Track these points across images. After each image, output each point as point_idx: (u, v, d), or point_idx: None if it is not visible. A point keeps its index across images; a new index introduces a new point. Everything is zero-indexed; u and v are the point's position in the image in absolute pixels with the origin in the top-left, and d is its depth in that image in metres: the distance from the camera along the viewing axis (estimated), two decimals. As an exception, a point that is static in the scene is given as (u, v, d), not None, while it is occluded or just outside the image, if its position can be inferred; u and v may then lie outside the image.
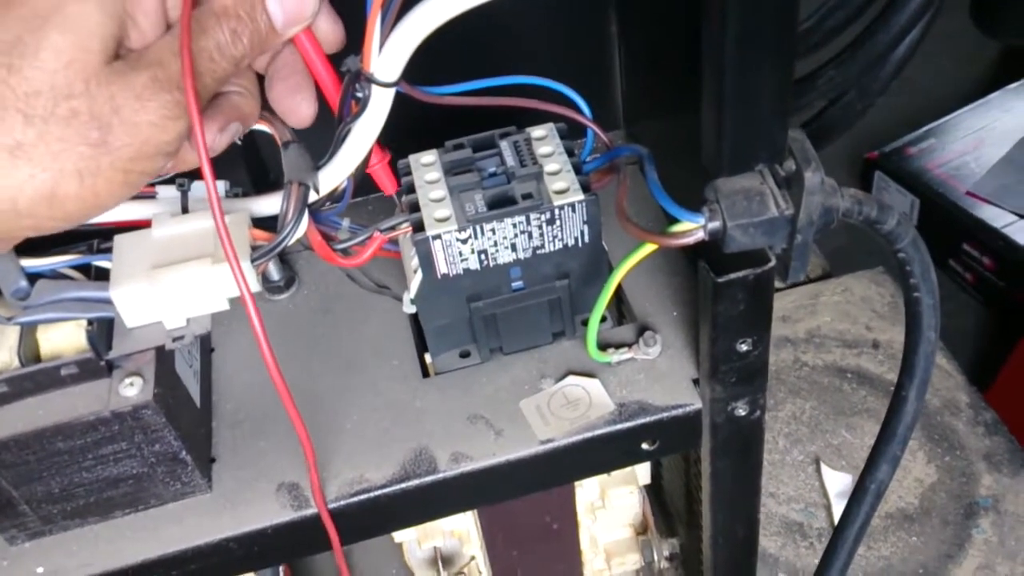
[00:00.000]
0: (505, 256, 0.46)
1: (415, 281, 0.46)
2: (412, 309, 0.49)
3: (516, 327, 0.50)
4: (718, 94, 0.37)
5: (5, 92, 0.32)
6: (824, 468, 1.02)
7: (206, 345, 0.54)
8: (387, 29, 0.39)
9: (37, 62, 0.32)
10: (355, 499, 0.46)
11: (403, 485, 0.47)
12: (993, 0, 1.09)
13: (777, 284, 0.43)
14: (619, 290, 0.54)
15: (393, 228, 0.46)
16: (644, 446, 0.49)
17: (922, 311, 0.44)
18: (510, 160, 0.46)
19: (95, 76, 0.33)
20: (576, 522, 0.67)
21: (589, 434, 0.47)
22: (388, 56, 0.39)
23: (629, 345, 0.50)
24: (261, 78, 0.41)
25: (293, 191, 0.41)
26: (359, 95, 0.41)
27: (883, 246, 0.42)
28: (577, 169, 0.46)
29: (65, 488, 0.45)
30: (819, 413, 1.08)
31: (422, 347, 0.52)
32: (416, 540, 0.67)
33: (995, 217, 1.32)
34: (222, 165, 0.38)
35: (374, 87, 0.40)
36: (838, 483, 1.00)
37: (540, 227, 0.45)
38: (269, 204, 0.46)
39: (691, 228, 0.39)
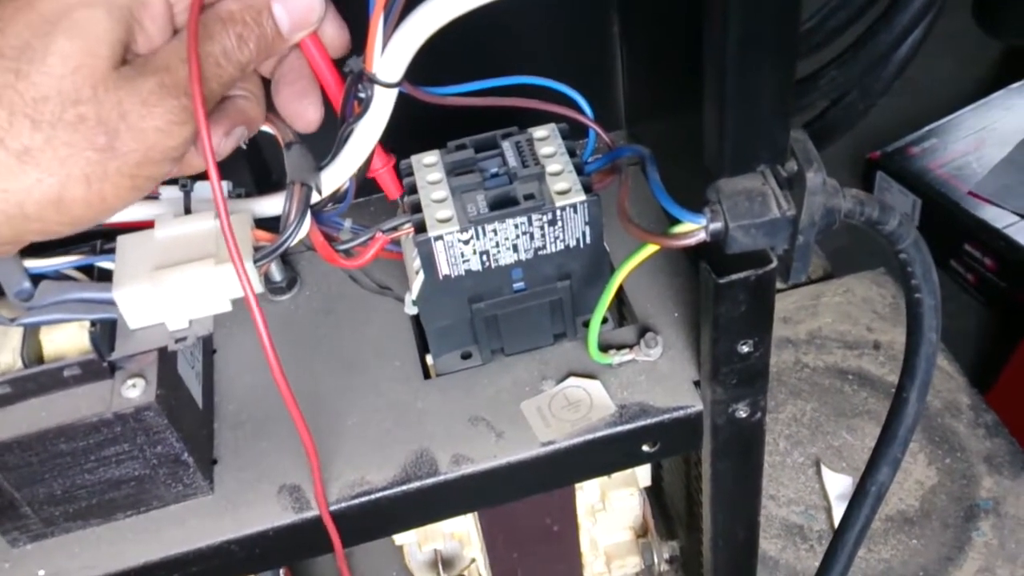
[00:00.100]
0: (507, 257, 0.46)
1: (417, 282, 0.46)
2: (414, 310, 0.49)
3: (517, 328, 0.50)
4: (720, 94, 0.37)
5: (13, 97, 0.32)
6: (825, 470, 1.02)
7: (208, 346, 0.54)
8: (390, 30, 0.39)
9: (45, 67, 0.32)
10: (356, 501, 0.46)
11: (404, 487, 0.47)
12: (995, 0, 1.09)
13: (778, 285, 0.43)
14: (620, 291, 0.54)
15: (395, 229, 0.46)
16: (645, 448, 0.49)
17: (923, 312, 0.44)
18: (512, 161, 0.46)
19: (102, 82, 0.33)
20: (576, 524, 0.67)
21: (590, 436, 0.47)
22: (391, 57, 0.39)
23: (630, 346, 0.50)
24: (267, 82, 0.41)
25: (295, 192, 0.41)
26: (361, 96, 0.41)
27: (885, 247, 0.42)
28: (579, 170, 0.46)
29: (67, 490, 0.45)
30: (820, 415, 1.07)
31: (423, 348, 0.52)
32: (417, 542, 0.67)
33: (997, 217, 1.32)
34: (225, 166, 0.38)
35: (376, 88, 0.40)
36: (839, 485, 1.00)
37: (542, 228, 0.45)
38: (271, 205, 0.46)
39: (693, 229, 0.39)
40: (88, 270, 0.46)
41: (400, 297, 0.54)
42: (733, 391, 0.46)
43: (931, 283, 0.43)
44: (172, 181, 0.46)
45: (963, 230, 1.35)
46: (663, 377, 0.49)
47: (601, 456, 0.49)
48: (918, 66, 0.56)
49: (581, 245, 0.46)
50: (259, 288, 0.41)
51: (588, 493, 0.66)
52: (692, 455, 0.57)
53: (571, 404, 0.48)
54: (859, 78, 0.55)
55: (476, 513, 0.63)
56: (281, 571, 0.74)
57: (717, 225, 0.39)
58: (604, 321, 0.47)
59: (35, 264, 0.44)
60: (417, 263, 0.46)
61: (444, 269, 0.46)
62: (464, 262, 0.46)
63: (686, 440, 0.49)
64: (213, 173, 0.36)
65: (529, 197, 0.45)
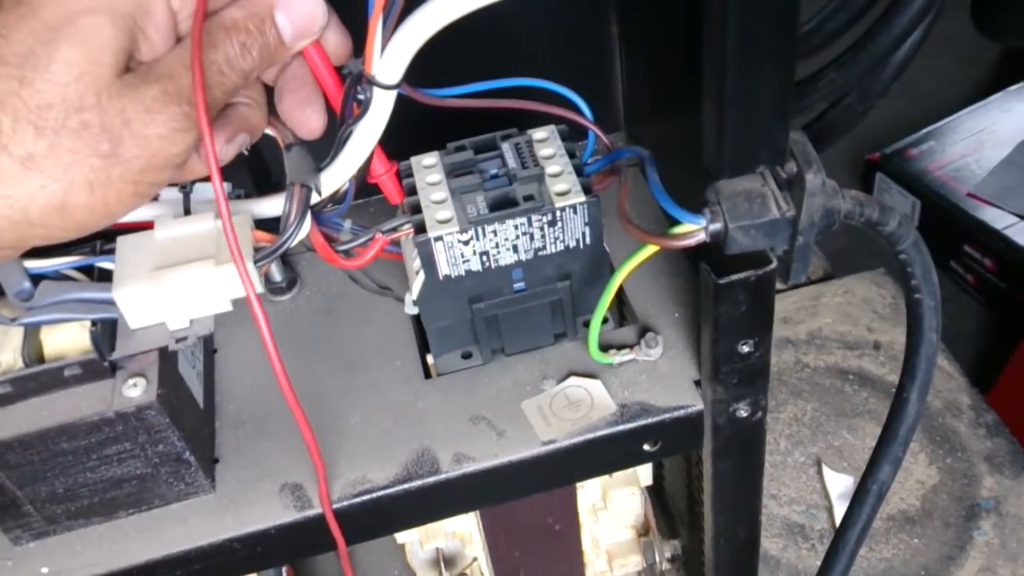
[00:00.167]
0: (507, 257, 0.46)
1: (417, 282, 0.47)
2: (414, 310, 0.49)
3: (518, 328, 0.50)
4: (719, 96, 0.37)
5: (17, 104, 0.32)
6: (825, 470, 1.02)
7: (209, 346, 0.54)
8: (389, 32, 0.39)
9: (49, 75, 0.32)
10: (357, 500, 0.47)
11: (405, 486, 0.47)
12: (994, 2, 1.09)
13: (778, 285, 0.43)
14: (620, 291, 0.54)
15: (395, 229, 0.46)
16: (646, 447, 0.49)
17: (923, 312, 0.44)
18: (511, 162, 0.46)
19: (106, 89, 0.33)
20: (578, 523, 0.67)
21: (591, 435, 0.47)
22: (390, 59, 0.40)
23: (631, 346, 0.50)
24: (269, 89, 0.41)
25: (295, 193, 0.41)
26: (361, 97, 0.41)
27: (884, 248, 0.42)
28: (578, 171, 0.46)
29: (69, 488, 0.45)
30: (820, 414, 1.08)
31: (424, 348, 0.52)
32: (418, 541, 0.67)
33: (996, 218, 1.32)
34: (224, 167, 0.38)
35: (376, 89, 0.40)
36: (840, 485, 1.00)
37: (542, 229, 0.45)
38: (271, 206, 0.46)
39: (692, 230, 0.39)
40: (88, 270, 0.46)
41: (400, 297, 0.54)
42: (734, 391, 0.46)
43: (931, 284, 0.43)
44: (171, 183, 0.46)
45: (963, 231, 1.35)
46: (664, 377, 0.49)
47: (602, 455, 0.49)
48: (917, 68, 0.56)
49: (581, 246, 0.47)
50: (259, 289, 0.41)
51: (589, 492, 0.66)
52: (693, 454, 0.57)
53: (572, 403, 0.48)
54: (858, 80, 0.55)
55: (478, 512, 0.64)
56: (284, 570, 0.74)
57: (717, 226, 0.39)
58: (604, 321, 0.48)
59: (35, 264, 0.44)
60: (417, 263, 0.46)
61: (444, 269, 0.46)
62: (464, 262, 0.46)
63: (687, 439, 0.49)
64: (216, 180, 0.36)
65: (529, 198, 0.45)
